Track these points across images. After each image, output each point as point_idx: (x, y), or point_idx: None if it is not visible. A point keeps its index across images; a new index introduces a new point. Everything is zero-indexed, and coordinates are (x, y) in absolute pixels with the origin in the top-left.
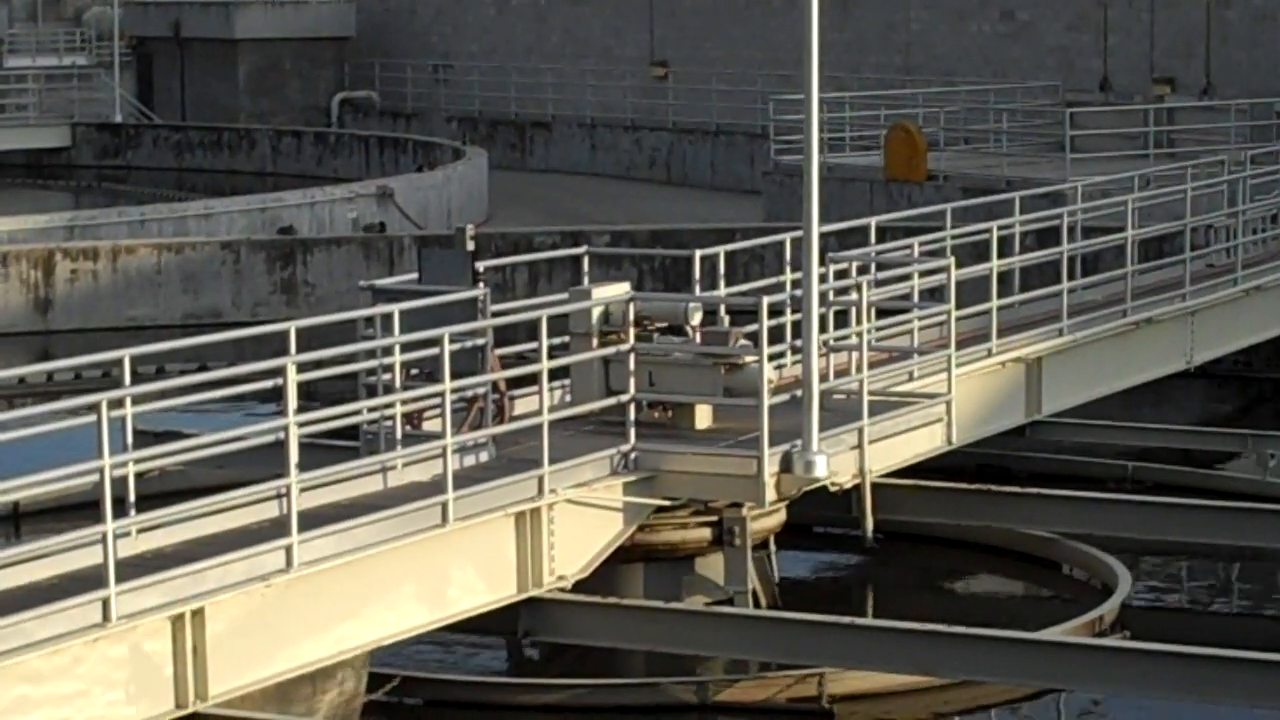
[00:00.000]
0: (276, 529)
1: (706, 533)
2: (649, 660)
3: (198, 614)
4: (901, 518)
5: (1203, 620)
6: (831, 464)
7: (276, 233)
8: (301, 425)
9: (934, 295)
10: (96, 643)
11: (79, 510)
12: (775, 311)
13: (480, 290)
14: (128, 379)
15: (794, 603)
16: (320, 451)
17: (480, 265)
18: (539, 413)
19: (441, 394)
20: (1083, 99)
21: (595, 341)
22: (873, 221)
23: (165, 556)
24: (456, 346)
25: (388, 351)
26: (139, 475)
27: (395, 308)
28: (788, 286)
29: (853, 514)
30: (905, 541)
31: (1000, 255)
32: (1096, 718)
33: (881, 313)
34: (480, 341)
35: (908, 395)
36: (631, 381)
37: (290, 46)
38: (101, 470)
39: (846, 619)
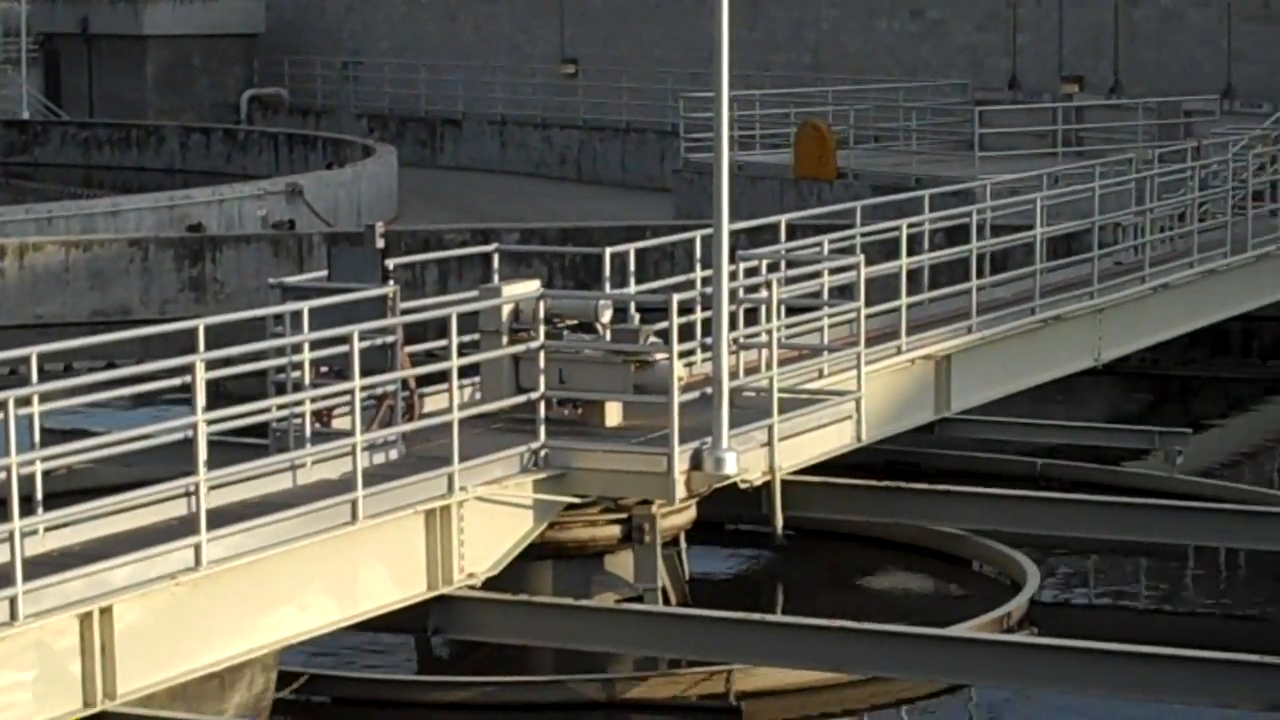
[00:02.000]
0: (185, 527)
1: (616, 530)
2: (558, 658)
3: (106, 612)
4: (811, 514)
5: (1110, 616)
6: (741, 461)
7: (185, 230)
8: (210, 423)
9: (843, 293)
10: (2, 641)
11: None
12: (685, 309)
13: (390, 288)
14: (35, 376)
15: (704, 600)
16: (229, 449)
17: (390, 263)
18: (449, 410)
19: (351, 391)
20: (991, 98)
21: (505, 339)
22: (782, 219)
23: (73, 555)
24: (366, 344)
25: (297, 349)
26: (46, 473)
27: (304, 305)
28: (698, 284)
29: (763, 511)
30: (815, 538)
31: (909, 253)
32: (1006, 713)
33: (791, 310)
34: (390, 339)
35: (817, 393)
36: (541, 379)
37: (199, 43)
38: (8, 468)
39: (756, 616)
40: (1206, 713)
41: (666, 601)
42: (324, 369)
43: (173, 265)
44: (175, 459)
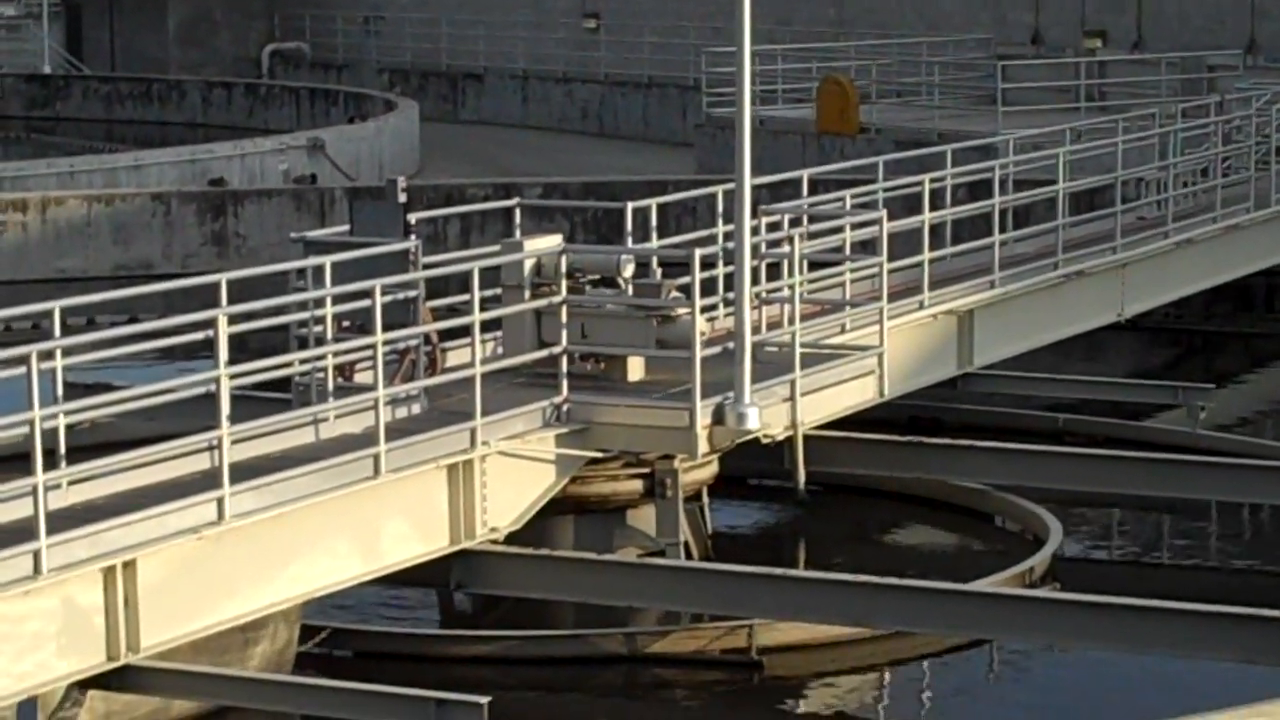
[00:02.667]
0: (208, 481)
1: (638, 485)
2: (580, 612)
3: (129, 566)
4: (834, 469)
5: (1133, 571)
6: (764, 416)
7: (207, 184)
8: (232, 377)
9: (866, 248)
10: (27, 595)
11: (9, 462)
12: (707, 264)
13: (412, 242)
14: (58, 330)
15: (726, 555)
16: (252, 403)
17: (412, 217)
18: (471, 365)
19: (373, 346)
20: (1014, 52)
21: (527, 294)
22: (805, 174)
23: (96, 509)
24: (388, 299)
25: (319, 303)
26: (69, 427)
27: (327, 260)
28: (720, 239)
29: (785, 466)
30: (838, 493)
31: (932, 208)
32: (1028, 669)
33: (813, 265)
34: (412, 294)
35: (840, 348)
36: (564, 334)
37: None
38: (31, 422)
39: (778, 571)
40: (1230, 669)
41: (688, 556)
42: (346, 324)
43: (195, 220)
44: (198, 413)
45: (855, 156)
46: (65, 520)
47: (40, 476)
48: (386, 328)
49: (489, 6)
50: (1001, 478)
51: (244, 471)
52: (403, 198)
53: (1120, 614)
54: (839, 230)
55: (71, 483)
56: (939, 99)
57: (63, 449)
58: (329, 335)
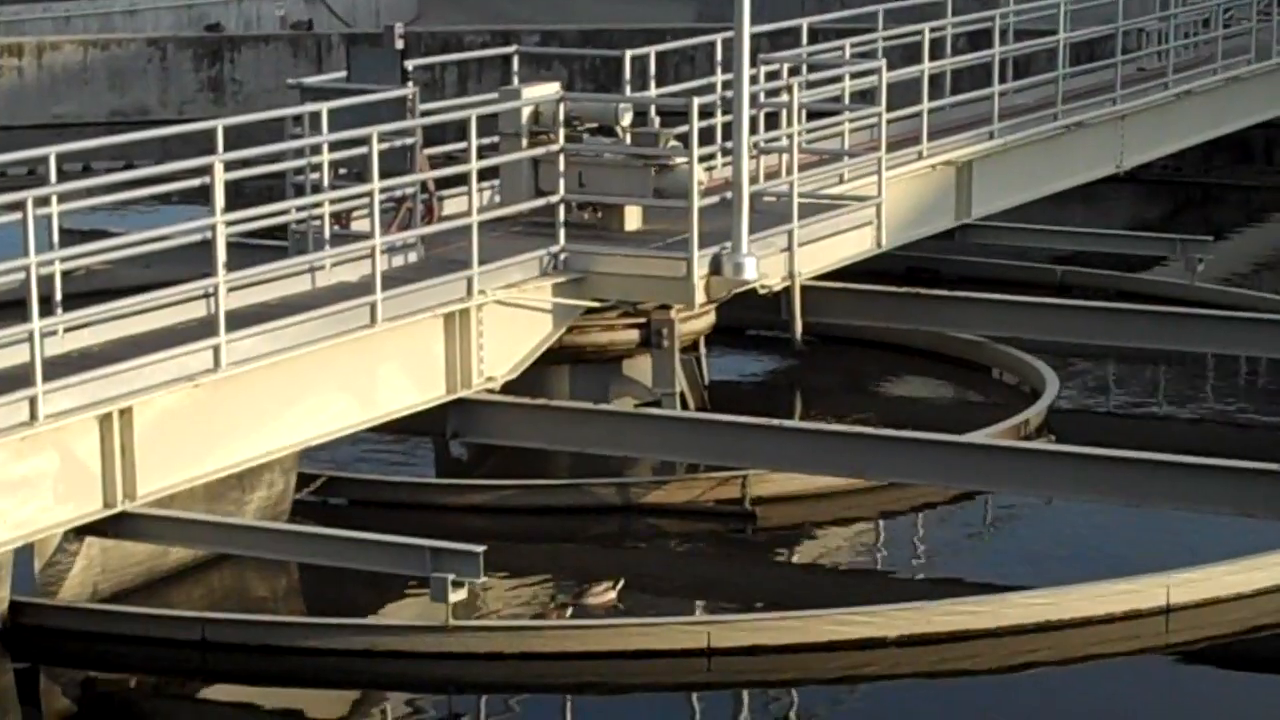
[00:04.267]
0: (204, 329)
1: (635, 335)
2: (575, 461)
3: (125, 414)
4: (830, 320)
5: (1129, 424)
6: (761, 266)
7: (203, 30)
8: (229, 224)
9: (865, 97)
10: (24, 442)
11: (5, 309)
12: (706, 113)
13: (409, 89)
14: (53, 177)
15: (722, 405)
16: (248, 251)
17: (409, 64)
18: (468, 213)
19: (370, 194)
20: None
21: (524, 142)
22: (804, 23)
23: (92, 356)
24: (385, 146)
25: (315, 150)
26: (65, 274)
27: (323, 106)
28: (718, 88)
29: (782, 316)
30: (834, 344)
31: (931, 58)
32: (1023, 521)
33: (812, 115)
34: (409, 141)
35: (838, 198)
36: (561, 182)
37: None
38: (27, 269)
39: (774, 421)
40: (1226, 521)
41: (684, 406)
42: (343, 171)
43: (191, 65)
44: (194, 260)
45: (855, 5)
46: (62, 367)
47: (36, 323)
48: (383, 175)
49: None
50: (998, 329)
51: (240, 319)
52: (400, 44)
53: (1116, 466)
54: (838, 80)
55: (68, 330)
56: None
57: (59, 296)
58: (325, 183)
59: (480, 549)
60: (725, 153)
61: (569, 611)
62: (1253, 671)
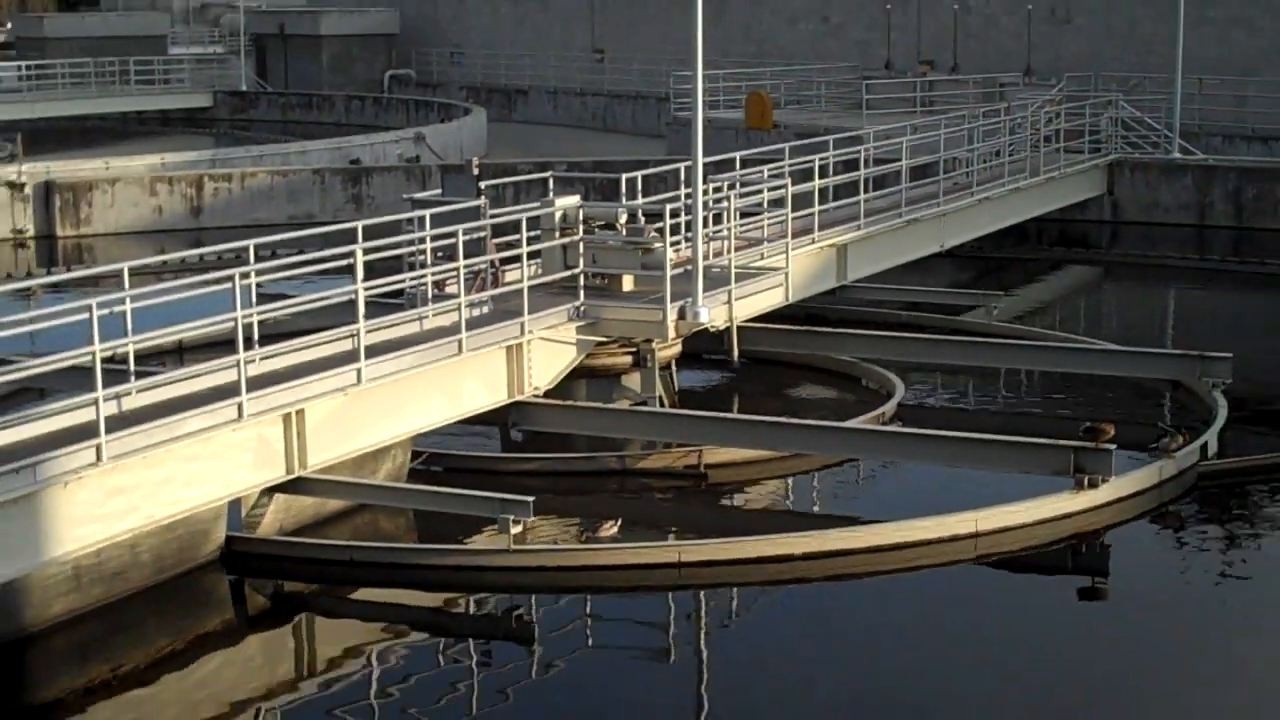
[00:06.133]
0: (351, 357)
1: (629, 359)
2: (591, 442)
3: (300, 413)
4: (756, 348)
5: (950, 414)
6: (711, 313)
7: (349, 163)
8: (367, 289)
9: (777, 204)
10: (234, 431)
11: (219, 346)
12: (674, 214)
13: (481, 200)
14: (252, 258)
15: (686, 404)
16: (378, 306)
17: (481, 184)
18: (521, 280)
19: (457, 268)
20: (873, 74)
21: (557, 234)
22: (737, 155)
23: (278, 375)
24: (467, 237)
25: (422, 240)
26: (260, 323)
27: (426, 212)
28: (682, 198)
29: (725, 346)
30: (759, 363)
31: (820, 176)
32: (882, 477)
33: (743, 214)
34: (482, 234)
35: (760, 268)
36: (581, 260)
37: (357, 40)
38: (235, 319)
39: (720, 414)
40: (1014, 477)
41: (661, 405)
42: (440, 253)
43: (340, 186)
44: (344, 313)
45: (770, 143)
46: (258, 382)
47: (241, 354)
48: (466, 256)
49: (531, 45)
50: (865, 353)
51: (374, 350)
52: (475, 171)
53: (943, 442)
54: (759, 192)
55: (262, 359)
56: (825, 105)
57: (256, 336)
58: (429, 261)
59: (530, 499)
60: (687, 240)
61: (586, 539)
62: (1032, 573)
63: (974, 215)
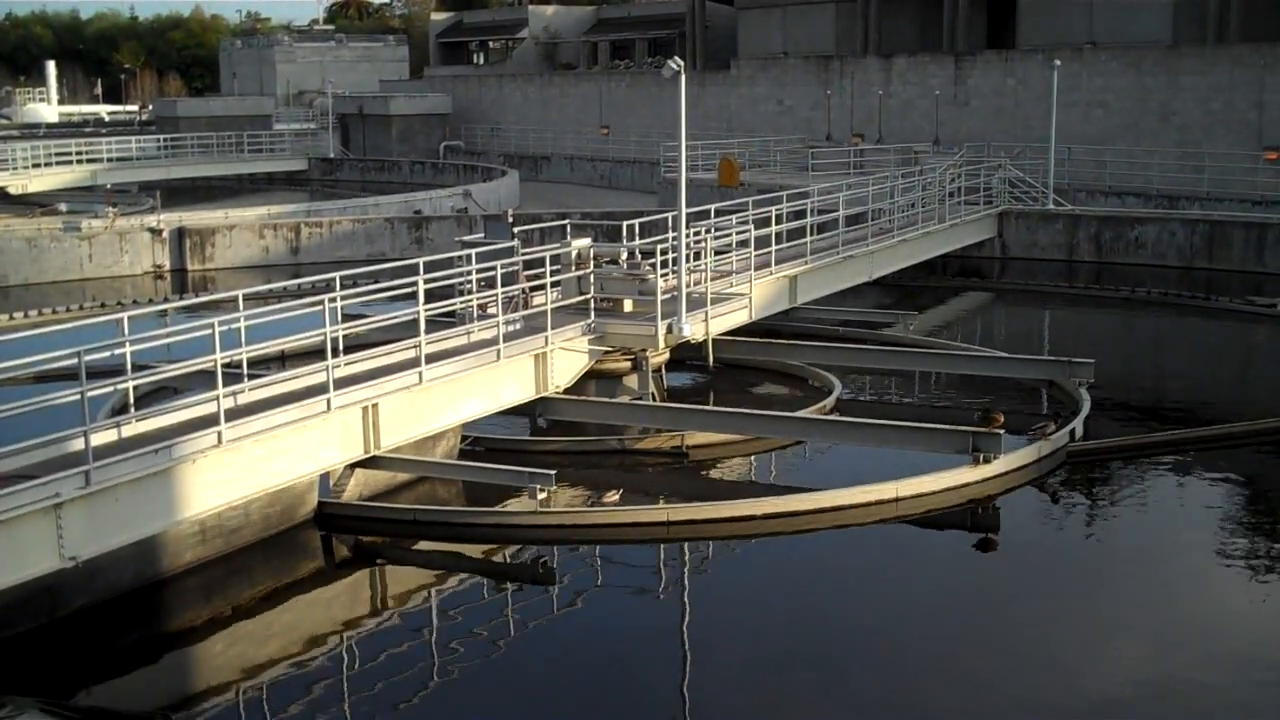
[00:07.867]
0: (414, 363)
1: (629, 364)
2: (599, 428)
3: (375, 406)
4: (728, 356)
5: (876, 405)
6: (692, 329)
7: (413, 213)
8: (427, 310)
9: (743, 244)
10: (324, 420)
11: (310, 355)
12: (664, 252)
13: (515, 242)
14: (339, 286)
15: (673, 398)
16: (436, 324)
17: (515, 229)
18: (545, 304)
19: (496, 294)
20: (817, 144)
21: (574, 267)
22: (712, 207)
23: (358, 377)
24: (504, 270)
25: (469, 272)
26: (344, 336)
27: (474, 251)
28: (670, 240)
29: (703, 354)
30: (730, 368)
31: (776, 222)
32: (829, 456)
33: (717, 252)
34: (515, 267)
35: (731, 294)
36: (592, 288)
37: (419, 118)
38: (325, 334)
39: (700, 406)
40: (927, 455)
41: (654, 399)
42: (483, 283)
43: (406, 230)
44: (409, 329)
45: (738, 198)
46: (342, 383)
47: (329, 361)
48: (503, 284)
49: (554, 123)
50: (811, 360)
51: (432, 358)
52: (511, 219)
53: (871, 428)
54: (729, 235)
55: (347, 364)
56: (780, 168)
57: (341, 347)
58: (474, 288)
59: (552, 472)
60: (674, 271)
61: (594, 503)
62: (945, 529)
63: (895, 252)
